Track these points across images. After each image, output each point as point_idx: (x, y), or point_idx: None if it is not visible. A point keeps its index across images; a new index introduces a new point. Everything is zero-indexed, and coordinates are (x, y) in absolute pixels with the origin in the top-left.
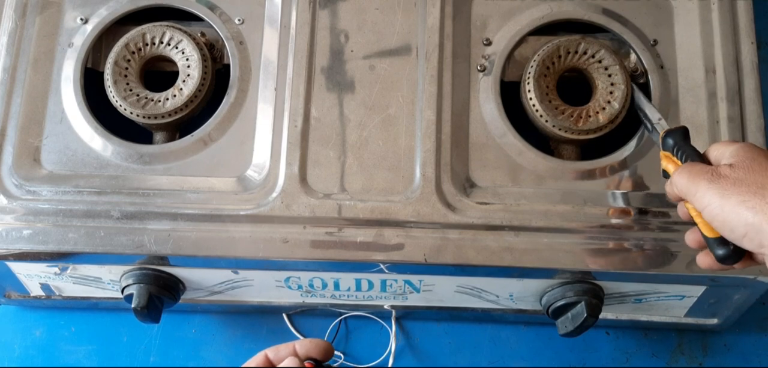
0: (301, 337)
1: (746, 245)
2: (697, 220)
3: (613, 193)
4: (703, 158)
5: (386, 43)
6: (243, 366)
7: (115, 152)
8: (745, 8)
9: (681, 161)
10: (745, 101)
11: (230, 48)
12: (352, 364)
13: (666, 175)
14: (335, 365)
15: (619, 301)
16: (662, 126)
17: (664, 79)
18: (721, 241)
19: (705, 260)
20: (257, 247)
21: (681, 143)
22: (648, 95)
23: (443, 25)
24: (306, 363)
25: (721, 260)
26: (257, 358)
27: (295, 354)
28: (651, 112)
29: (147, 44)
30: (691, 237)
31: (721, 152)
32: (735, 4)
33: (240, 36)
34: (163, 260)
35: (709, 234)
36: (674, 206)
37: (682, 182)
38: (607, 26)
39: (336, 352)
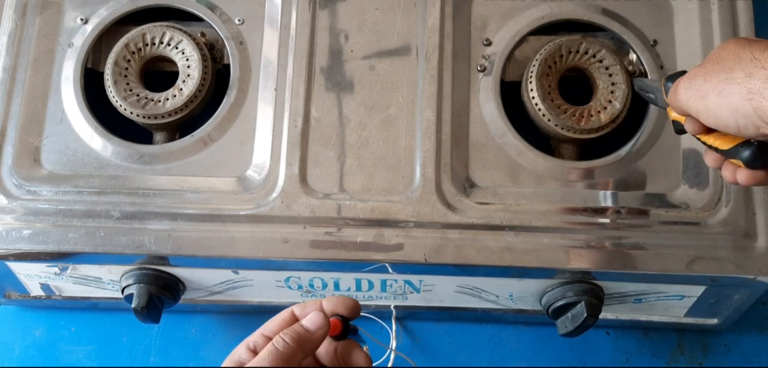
0: None
1: (746, 134)
2: (712, 141)
3: (612, 193)
4: None
5: (386, 43)
6: (268, 323)
7: (115, 152)
8: (745, 8)
9: None
10: None
11: (230, 48)
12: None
13: (676, 126)
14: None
15: (619, 301)
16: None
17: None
18: (742, 144)
19: (744, 174)
20: (257, 247)
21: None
22: None
23: (443, 25)
24: (332, 319)
25: (749, 162)
26: (284, 315)
27: (322, 310)
28: (651, 81)
29: (147, 44)
30: (727, 174)
31: None
32: (735, 4)
33: (240, 36)
34: (163, 260)
35: (727, 146)
36: (674, 206)
37: (673, 101)
38: (607, 26)
39: None
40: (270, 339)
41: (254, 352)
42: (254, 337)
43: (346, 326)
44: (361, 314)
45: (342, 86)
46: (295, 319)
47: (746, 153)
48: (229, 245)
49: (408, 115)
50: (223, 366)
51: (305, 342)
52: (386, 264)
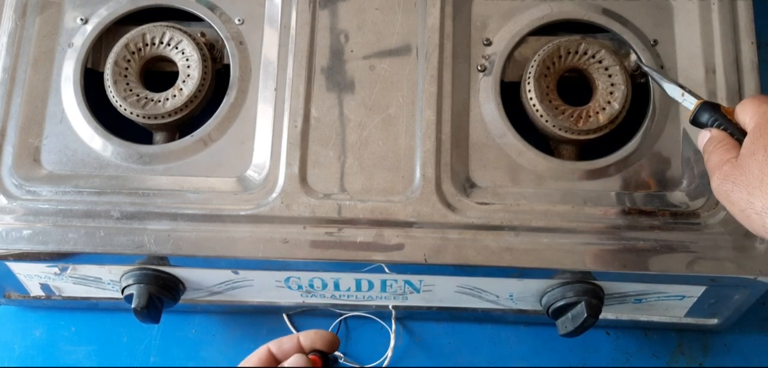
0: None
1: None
2: None
3: (613, 193)
4: (733, 126)
5: (386, 43)
6: (243, 363)
7: (115, 152)
8: (745, 8)
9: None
10: None
11: (230, 48)
12: (352, 364)
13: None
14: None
15: (619, 301)
16: (691, 99)
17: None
18: None
19: None
20: (257, 247)
21: (715, 116)
22: (647, 95)
23: (443, 25)
24: (311, 356)
25: None
26: (259, 353)
27: (300, 347)
28: (672, 90)
29: (147, 44)
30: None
31: (743, 119)
32: (735, 4)
33: (240, 36)
34: (163, 260)
35: None
36: (674, 205)
37: (708, 168)
38: (607, 26)
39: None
40: None
41: None
42: None
43: (326, 362)
44: (361, 314)
45: (342, 86)
46: (272, 356)
47: None
48: (229, 245)
49: (408, 115)
50: None
51: None
52: (386, 265)
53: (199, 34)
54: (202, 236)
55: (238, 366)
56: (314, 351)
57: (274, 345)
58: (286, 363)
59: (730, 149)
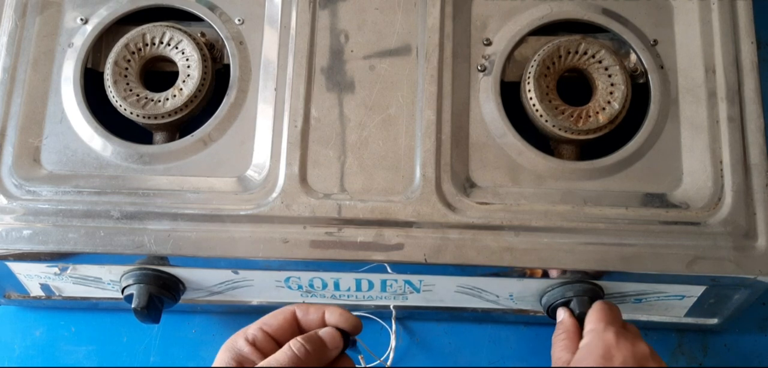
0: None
1: None
2: None
3: (613, 193)
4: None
5: (386, 43)
6: (269, 316)
7: (115, 152)
8: (745, 8)
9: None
10: (744, 101)
11: (230, 48)
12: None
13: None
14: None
15: (619, 301)
16: None
17: (664, 79)
18: None
19: None
20: (257, 247)
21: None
22: (647, 95)
23: (443, 25)
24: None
25: None
26: (285, 314)
27: (324, 321)
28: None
29: (147, 44)
30: None
31: (586, 325)
32: (735, 4)
33: (240, 36)
34: (163, 260)
35: None
36: (674, 206)
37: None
38: (607, 26)
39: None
40: (270, 335)
41: (253, 345)
42: (253, 330)
43: (346, 342)
44: (361, 314)
45: (342, 86)
46: (296, 321)
47: None
48: (229, 245)
49: (408, 115)
50: (219, 360)
51: (323, 356)
52: (386, 264)
53: (199, 34)
54: (202, 236)
55: (261, 320)
56: (336, 329)
57: (300, 311)
58: (323, 334)
59: (571, 348)
